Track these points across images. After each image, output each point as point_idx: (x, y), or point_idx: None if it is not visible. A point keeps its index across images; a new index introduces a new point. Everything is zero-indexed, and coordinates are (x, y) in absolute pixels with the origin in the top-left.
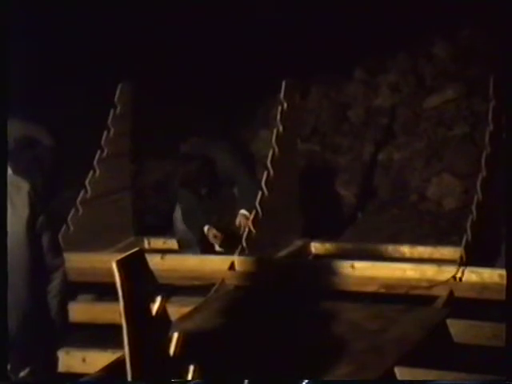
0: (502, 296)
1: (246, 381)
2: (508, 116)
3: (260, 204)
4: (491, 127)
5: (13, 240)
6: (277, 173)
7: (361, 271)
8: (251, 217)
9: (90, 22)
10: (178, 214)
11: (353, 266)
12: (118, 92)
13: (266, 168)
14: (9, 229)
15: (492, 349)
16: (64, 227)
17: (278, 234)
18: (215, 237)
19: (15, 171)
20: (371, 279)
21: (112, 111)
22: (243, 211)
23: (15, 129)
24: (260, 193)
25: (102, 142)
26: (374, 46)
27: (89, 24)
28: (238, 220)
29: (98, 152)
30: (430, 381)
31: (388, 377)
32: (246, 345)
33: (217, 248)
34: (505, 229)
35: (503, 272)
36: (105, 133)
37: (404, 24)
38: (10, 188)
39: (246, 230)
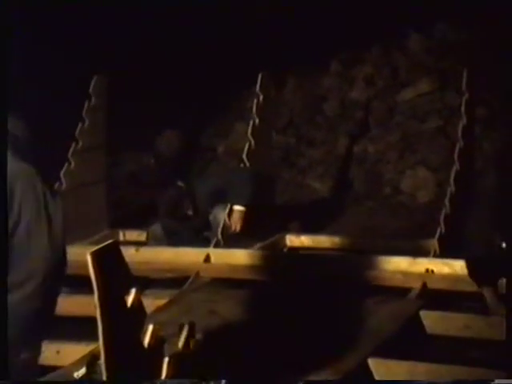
0: (475, 288)
1: (224, 381)
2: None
3: None
4: (464, 120)
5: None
6: (252, 165)
7: (336, 264)
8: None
9: (65, 13)
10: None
11: (328, 259)
12: (92, 84)
13: (242, 161)
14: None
15: (463, 340)
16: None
17: (254, 226)
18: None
19: None
20: (346, 272)
21: (87, 103)
22: (238, 207)
23: None
24: None
25: (77, 134)
26: (349, 38)
27: (64, 15)
28: (234, 216)
29: (73, 144)
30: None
31: (362, 367)
32: (220, 337)
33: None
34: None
35: None
36: (79, 125)
37: (379, 17)
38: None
39: (238, 226)
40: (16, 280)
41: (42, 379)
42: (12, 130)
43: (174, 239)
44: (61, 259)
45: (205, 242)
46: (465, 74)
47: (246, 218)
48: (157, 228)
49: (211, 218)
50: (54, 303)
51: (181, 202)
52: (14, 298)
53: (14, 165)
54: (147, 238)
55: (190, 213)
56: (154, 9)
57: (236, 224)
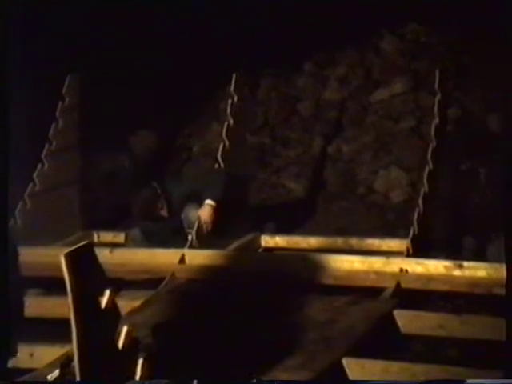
0: (447, 287)
1: (195, 381)
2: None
3: None
4: (437, 120)
5: None
6: (227, 166)
7: (311, 264)
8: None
9: (39, 14)
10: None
11: (303, 259)
12: (66, 83)
13: (217, 161)
14: None
15: (438, 339)
16: (11, 221)
17: (228, 226)
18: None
19: None
20: (322, 271)
21: (60, 103)
22: (209, 201)
23: None
24: None
25: (50, 134)
26: (322, 39)
27: (37, 16)
28: (204, 210)
29: (46, 145)
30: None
31: (336, 367)
32: (196, 337)
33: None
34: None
35: (448, 263)
36: (53, 125)
37: (352, 18)
38: None
39: (209, 219)
40: None
41: (18, 381)
42: None
43: (152, 241)
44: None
45: (183, 242)
46: (437, 75)
47: (218, 215)
48: (136, 231)
49: (183, 216)
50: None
51: (155, 203)
52: None
53: None
54: (126, 240)
55: (165, 214)
56: (129, 8)
57: (206, 217)
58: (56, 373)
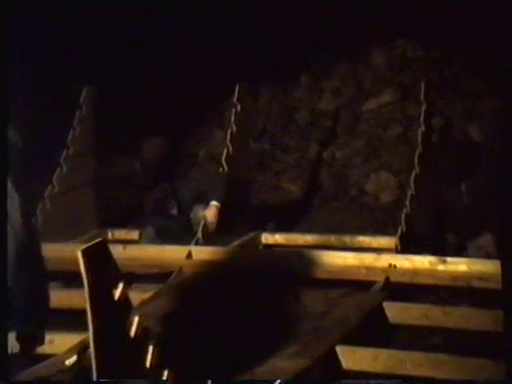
0: (432, 280)
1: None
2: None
3: None
4: (423, 128)
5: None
6: (230, 170)
7: (307, 259)
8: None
9: (58, 28)
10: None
11: (300, 255)
12: (83, 94)
13: (221, 165)
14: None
15: (423, 328)
16: (33, 219)
17: (232, 225)
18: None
19: None
20: (318, 266)
21: (78, 112)
22: (214, 202)
23: None
24: None
25: (68, 140)
26: (318, 54)
27: (57, 29)
28: (208, 210)
29: (65, 150)
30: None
31: (330, 354)
32: (201, 327)
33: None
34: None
35: (432, 259)
36: (71, 132)
37: (345, 34)
38: None
39: (214, 219)
40: None
41: (37, 367)
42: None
43: (164, 237)
44: (28, 254)
45: (191, 239)
46: (423, 87)
47: (222, 214)
48: (149, 229)
49: (191, 215)
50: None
51: (166, 202)
52: None
53: None
54: (140, 237)
55: (175, 212)
56: (140, 22)
57: (211, 217)
58: (73, 358)
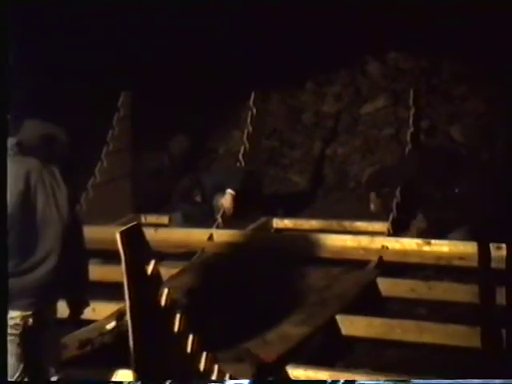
0: (419, 260)
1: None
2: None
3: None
4: (411, 129)
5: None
6: (246, 164)
7: (312, 241)
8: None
9: (98, 40)
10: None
11: (306, 238)
12: (121, 99)
13: (238, 160)
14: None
15: (411, 300)
16: (78, 206)
17: (247, 212)
18: (230, 201)
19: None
20: (321, 247)
21: (116, 114)
22: (229, 190)
23: (37, 128)
24: None
25: (108, 138)
26: (321, 64)
27: (97, 41)
28: (225, 197)
29: (105, 147)
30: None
31: (330, 322)
32: (221, 298)
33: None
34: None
35: (419, 241)
36: (110, 131)
37: (345, 47)
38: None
39: (230, 205)
40: (36, 259)
41: (81, 330)
42: (54, 133)
43: (189, 222)
44: (73, 236)
45: (213, 223)
46: (411, 94)
47: (238, 201)
48: (177, 214)
49: (214, 202)
50: (83, 266)
51: (191, 191)
52: (40, 272)
53: (26, 162)
54: (169, 221)
55: (199, 200)
56: (168, 35)
57: (227, 203)
58: (112, 324)
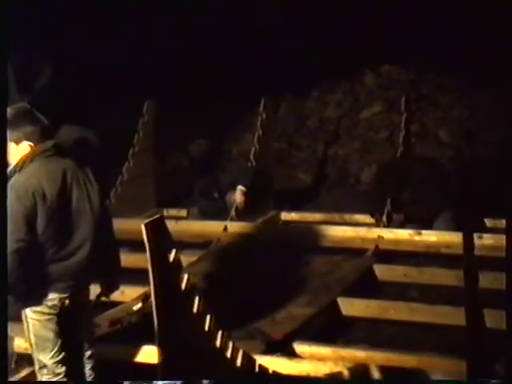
0: (411, 248)
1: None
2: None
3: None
4: (403, 132)
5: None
6: (257, 164)
7: (316, 232)
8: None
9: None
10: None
11: (311, 229)
12: (145, 106)
13: (250, 160)
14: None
15: (404, 284)
16: (108, 201)
17: (258, 206)
18: (241, 196)
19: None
20: (324, 237)
21: (141, 119)
22: (240, 187)
23: (73, 132)
24: None
25: (134, 141)
26: (325, 74)
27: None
28: (236, 193)
29: (131, 149)
30: None
31: (332, 304)
32: (235, 283)
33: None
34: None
35: (411, 231)
36: (136, 135)
37: (345, 61)
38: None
39: (242, 201)
40: (72, 248)
41: (111, 310)
42: (87, 136)
43: (206, 215)
44: (104, 228)
45: (227, 216)
46: (403, 101)
47: (248, 197)
48: (195, 209)
49: (227, 198)
50: (114, 254)
51: (208, 188)
52: (76, 259)
53: (63, 162)
54: (188, 215)
55: (216, 196)
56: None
57: (238, 198)
58: (139, 305)
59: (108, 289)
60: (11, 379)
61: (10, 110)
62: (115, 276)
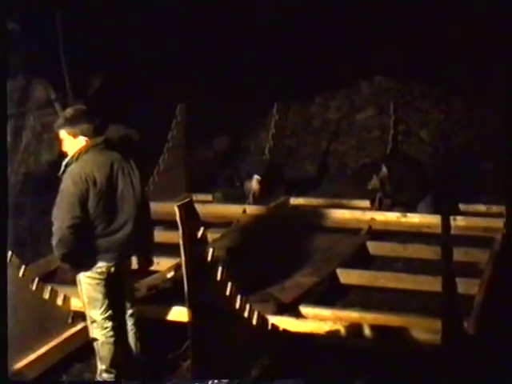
0: (398, 228)
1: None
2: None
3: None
4: (392, 132)
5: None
6: (271, 157)
7: (319, 214)
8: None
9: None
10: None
11: (315, 212)
12: (178, 108)
13: (265, 154)
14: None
15: (391, 258)
16: (147, 187)
17: (271, 192)
18: (257, 184)
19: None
20: (325, 219)
21: (174, 120)
22: (257, 176)
23: (118, 130)
24: None
25: (168, 137)
26: (326, 84)
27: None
28: (253, 182)
29: (166, 144)
30: None
31: (332, 274)
32: (252, 256)
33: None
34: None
35: (398, 214)
36: (170, 132)
37: (343, 72)
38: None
39: (258, 188)
40: (117, 225)
41: (147, 278)
42: (129, 134)
43: (228, 200)
44: (143, 209)
45: (246, 201)
46: (392, 106)
47: (263, 185)
48: (219, 194)
49: (245, 186)
50: (151, 231)
51: (231, 177)
52: (120, 234)
53: (111, 154)
54: (213, 199)
55: (238, 183)
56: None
57: (254, 186)
58: (171, 274)
59: (144, 261)
60: (68, 333)
61: (69, 110)
62: (150, 250)
